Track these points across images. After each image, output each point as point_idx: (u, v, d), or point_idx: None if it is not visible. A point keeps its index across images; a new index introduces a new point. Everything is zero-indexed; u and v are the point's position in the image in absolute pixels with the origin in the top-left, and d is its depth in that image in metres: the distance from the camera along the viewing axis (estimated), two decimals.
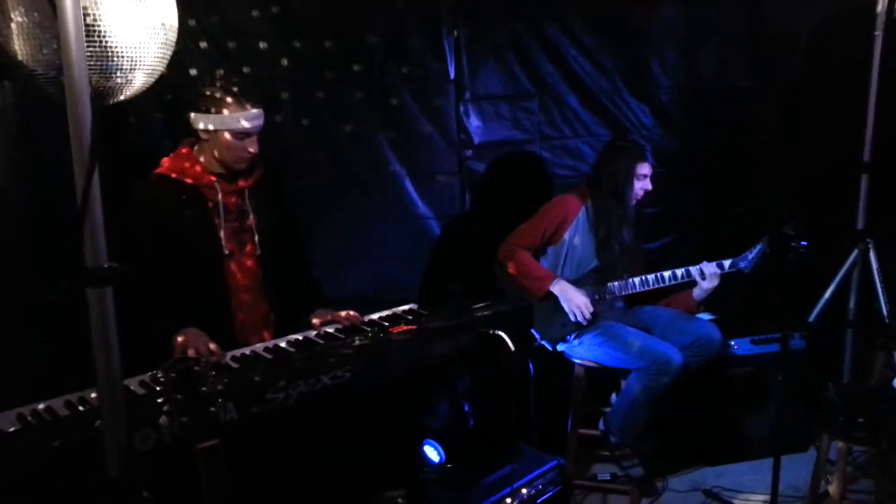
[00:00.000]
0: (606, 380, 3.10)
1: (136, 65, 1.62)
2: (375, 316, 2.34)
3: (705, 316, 3.19)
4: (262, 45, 2.80)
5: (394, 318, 2.31)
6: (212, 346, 1.96)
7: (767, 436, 3.29)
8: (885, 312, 3.35)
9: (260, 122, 2.22)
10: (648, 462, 2.97)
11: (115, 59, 1.54)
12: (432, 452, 2.39)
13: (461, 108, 3.13)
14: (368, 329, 2.20)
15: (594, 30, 3.22)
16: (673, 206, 3.48)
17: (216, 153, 2.21)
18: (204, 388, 1.40)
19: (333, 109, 2.94)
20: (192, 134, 2.25)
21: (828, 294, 3.43)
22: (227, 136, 2.17)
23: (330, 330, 2.23)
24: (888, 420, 2.52)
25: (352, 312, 2.27)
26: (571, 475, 3.01)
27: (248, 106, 2.18)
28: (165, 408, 1.38)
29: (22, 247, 2.32)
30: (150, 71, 1.72)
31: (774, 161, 3.47)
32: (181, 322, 2.05)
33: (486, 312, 2.30)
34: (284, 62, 2.85)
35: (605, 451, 3.07)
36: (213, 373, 1.53)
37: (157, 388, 1.59)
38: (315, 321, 2.27)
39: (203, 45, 2.74)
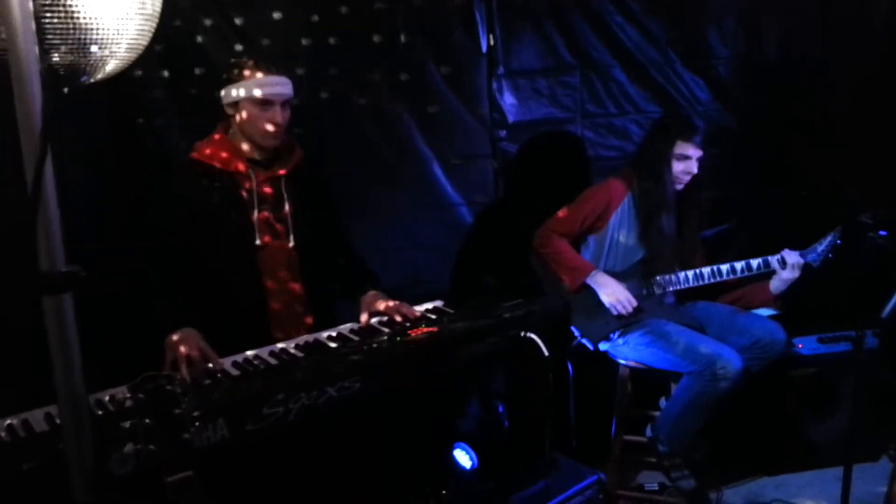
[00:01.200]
0: (654, 381, 2.83)
1: (115, 39, 1.44)
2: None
3: (765, 312, 2.89)
4: (276, 15, 2.60)
5: (415, 318, 2.09)
6: (203, 352, 1.78)
7: (833, 443, 2.99)
8: None
9: (284, 89, 2.09)
10: (701, 472, 2.70)
11: (90, 32, 1.37)
12: (464, 457, 2.18)
13: (494, 85, 2.86)
14: (387, 331, 1.98)
15: None
16: (730, 191, 3.16)
17: (244, 130, 2.10)
18: (177, 411, 1.20)
19: (353, 86, 2.72)
20: (224, 118, 2.14)
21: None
22: (250, 106, 2.05)
23: (345, 331, 2.03)
24: None
25: (405, 306, 2.09)
26: (614, 485, 2.77)
27: (269, 72, 2.06)
28: (132, 433, 1.19)
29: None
30: (131, 46, 1.53)
31: (845, 141, 3.10)
32: (210, 318, 1.93)
33: (516, 312, 2.06)
34: (300, 37, 2.64)
35: (653, 459, 2.80)
36: (188, 393, 1.33)
37: (127, 408, 1.40)
38: (363, 316, 2.10)
39: (208, 21, 2.56)
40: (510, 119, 2.90)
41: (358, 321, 2.11)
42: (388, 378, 1.78)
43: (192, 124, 2.44)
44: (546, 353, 2.03)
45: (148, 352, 1.87)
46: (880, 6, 3.04)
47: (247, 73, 2.04)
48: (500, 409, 2.36)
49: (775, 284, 2.66)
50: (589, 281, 2.63)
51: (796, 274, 2.60)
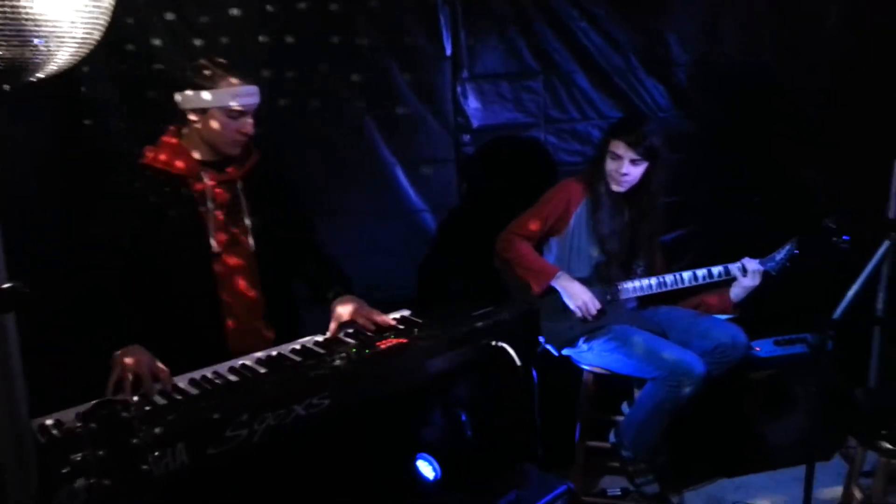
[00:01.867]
0: (616, 386, 2.83)
1: (62, 33, 1.34)
2: None
3: (721, 316, 2.92)
4: (233, 12, 2.49)
5: (382, 329, 2.03)
6: (153, 370, 1.67)
7: (789, 444, 3.05)
8: None
9: (255, 99, 2.01)
10: (663, 476, 2.71)
11: (34, 24, 1.26)
12: (426, 468, 2.12)
13: (458, 88, 2.82)
14: (353, 343, 1.91)
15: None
16: (689, 196, 3.18)
17: (207, 137, 1.99)
18: (134, 441, 1.12)
19: (313, 89, 2.63)
20: (179, 118, 2.02)
21: (855, 289, 3.16)
22: (220, 115, 1.95)
23: (309, 345, 1.95)
24: None
25: (376, 314, 2.01)
26: (579, 491, 2.76)
27: (240, 80, 1.97)
28: (83, 466, 1.10)
29: None
30: (80, 40, 1.43)
31: (802, 147, 3.16)
32: (162, 333, 1.83)
33: (487, 321, 2.01)
34: (260, 37, 2.54)
35: (616, 464, 2.80)
36: (145, 416, 1.23)
37: (77, 436, 1.30)
38: (332, 324, 2.02)
39: (169, 16, 2.44)
40: (474, 124, 2.86)
41: (327, 329, 2.03)
42: (357, 394, 1.72)
43: (145, 127, 2.31)
44: (518, 363, 2.00)
45: (94, 371, 1.76)
46: (831, 14, 3.12)
47: (219, 79, 1.94)
48: (464, 418, 2.32)
49: (735, 292, 2.69)
50: (554, 283, 2.61)
51: (756, 281, 2.63)
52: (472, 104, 2.84)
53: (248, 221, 2.05)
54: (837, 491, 2.77)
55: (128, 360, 1.66)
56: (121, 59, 2.41)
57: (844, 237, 2.22)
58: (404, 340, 1.89)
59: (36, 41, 1.28)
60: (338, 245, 2.75)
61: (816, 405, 2.82)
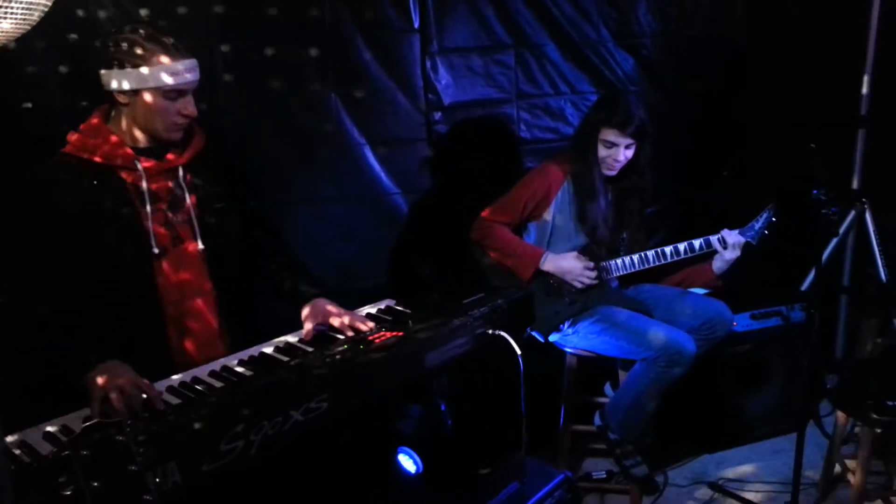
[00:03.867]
0: (598, 368, 2.77)
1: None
2: None
3: (699, 291, 2.89)
4: None
5: (371, 329, 1.87)
6: (138, 385, 1.46)
7: (767, 416, 3.08)
8: (882, 276, 3.15)
9: (195, 76, 1.75)
10: (648, 456, 2.67)
11: None
12: (407, 461, 2.00)
13: (427, 63, 2.66)
14: (343, 339, 1.76)
15: None
16: (660, 172, 3.13)
17: (142, 121, 1.73)
18: (133, 468, 0.95)
19: (273, 64, 2.42)
20: (106, 99, 1.75)
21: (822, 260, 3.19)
22: (154, 96, 1.69)
23: (293, 340, 1.79)
24: None
25: (356, 318, 1.81)
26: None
27: (179, 55, 1.70)
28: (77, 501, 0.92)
29: None
30: (23, 15, 1.24)
31: (769, 118, 3.16)
32: (101, 349, 1.56)
33: (481, 309, 1.90)
34: (214, 8, 2.31)
35: (601, 446, 2.74)
36: (145, 434, 1.06)
37: (66, 464, 1.10)
38: (307, 326, 1.81)
39: None
40: (445, 100, 2.71)
41: (293, 331, 1.84)
42: (356, 394, 1.57)
43: (77, 107, 2.05)
44: (518, 352, 1.89)
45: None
46: None
47: (150, 54, 1.66)
48: (443, 409, 2.21)
49: (717, 265, 2.65)
50: (542, 266, 2.52)
51: (737, 253, 2.60)
52: (443, 79, 2.69)
53: (193, 216, 1.81)
54: (816, 461, 2.80)
55: (110, 378, 1.45)
56: (66, 31, 2.12)
57: (833, 209, 2.19)
58: (400, 333, 1.75)
59: None
60: (306, 233, 2.59)
61: (799, 377, 2.84)
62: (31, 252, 1.69)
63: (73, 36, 2.10)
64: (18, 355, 1.64)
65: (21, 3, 1.21)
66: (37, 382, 1.60)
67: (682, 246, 2.61)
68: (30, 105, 2.07)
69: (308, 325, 1.82)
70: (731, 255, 2.59)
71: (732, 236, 2.60)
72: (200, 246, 1.81)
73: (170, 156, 1.80)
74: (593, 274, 2.57)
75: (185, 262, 1.80)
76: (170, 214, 1.79)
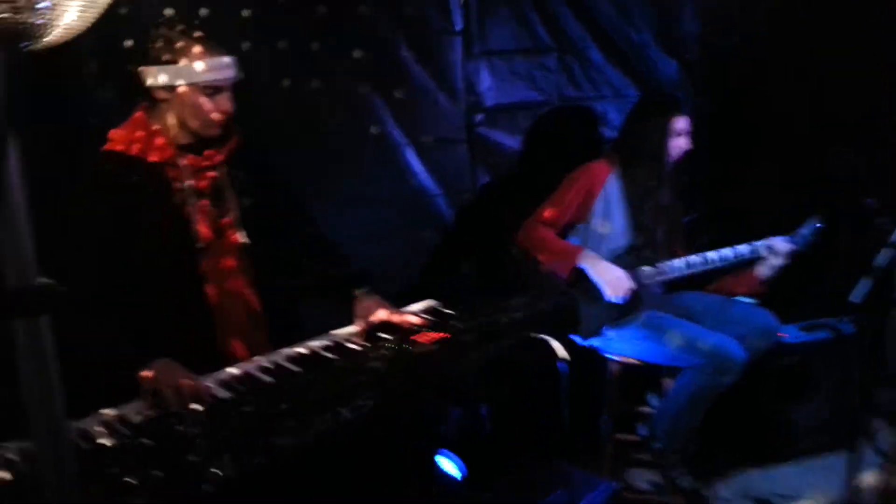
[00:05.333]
0: (640, 376, 2.71)
1: None
2: None
3: (745, 300, 2.82)
4: None
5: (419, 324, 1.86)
6: (192, 382, 1.47)
7: (816, 431, 2.97)
8: None
9: (232, 72, 1.76)
10: (694, 468, 2.60)
11: None
12: (450, 465, 1.97)
13: (469, 65, 2.65)
14: (389, 338, 1.74)
15: None
16: (702, 177, 3.08)
17: (180, 117, 1.74)
18: (192, 458, 0.93)
19: (315, 65, 2.42)
20: (146, 96, 1.76)
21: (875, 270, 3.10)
22: (192, 91, 1.70)
23: (341, 338, 1.77)
24: None
25: (407, 315, 1.82)
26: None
27: (215, 51, 1.72)
28: (138, 489, 0.91)
29: None
30: (87, 3, 1.23)
31: (818, 126, 3.08)
32: (149, 346, 1.57)
33: (526, 312, 1.87)
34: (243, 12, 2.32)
35: (646, 457, 2.68)
36: (203, 427, 1.04)
37: (129, 453, 1.08)
38: (360, 325, 1.81)
39: None
40: (487, 103, 2.70)
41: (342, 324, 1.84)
42: (402, 392, 1.55)
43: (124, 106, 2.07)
44: (563, 356, 1.86)
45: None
46: None
47: (186, 49, 1.69)
48: (483, 413, 2.18)
49: (762, 271, 2.58)
50: (580, 263, 2.44)
51: (784, 260, 2.54)
52: (485, 82, 2.68)
53: (235, 211, 1.82)
54: (868, 478, 2.70)
55: (163, 375, 1.45)
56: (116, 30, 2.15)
57: (887, 218, 2.12)
58: (445, 334, 1.72)
59: (41, 4, 1.09)
60: (346, 233, 2.56)
61: (849, 391, 2.74)
62: (78, 248, 1.70)
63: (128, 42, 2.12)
64: (71, 349, 1.65)
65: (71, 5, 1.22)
66: (87, 376, 1.60)
67: (727, 252, 2.55)
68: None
69: (361, 324, 1.82)
70: (777, 262, 2.53)
71: (780, 243, 2.53)
72: (242, 240, 1.82)
73: (210, 152, 1.81)
74: (627, 288, 2.45)
75: (229, 257, 1.81)
76: (212, 210, 1.80)
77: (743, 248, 2.56)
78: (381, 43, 2.53)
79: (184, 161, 1.76)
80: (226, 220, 1.81)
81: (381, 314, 1.80)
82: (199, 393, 1.42)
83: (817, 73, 3.14)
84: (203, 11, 2.26)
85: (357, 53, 2.51)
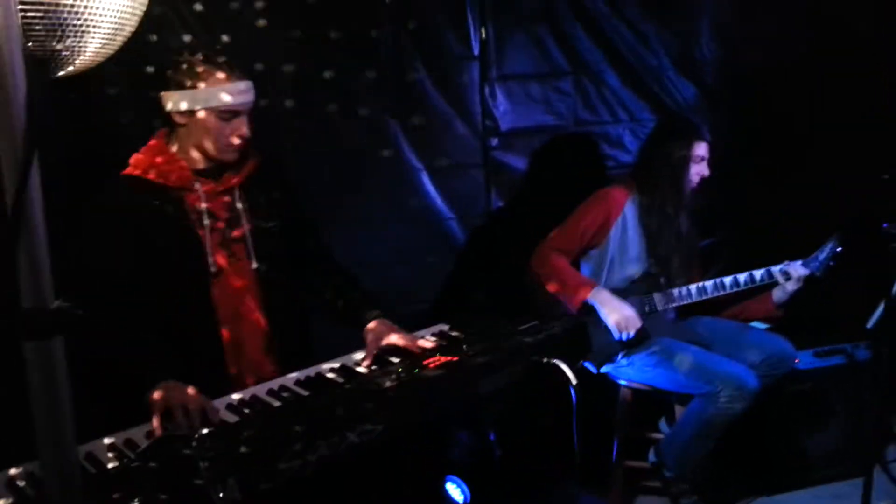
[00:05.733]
0: (653, 403, 2.70)
1: (92, 21, 1.19)
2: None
3: (759, 326, 2.81)
4: (234, 4, 2.33)
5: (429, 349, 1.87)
6: (198, 401, 1.49)
7: (829, 458, 2.93)
8: None
9: (250, 97, 1.79)
10: (705, 496, 2.58)
11: (64, 12, 1.12)
12: (455, 490, 1.97)
13: (486, 89, 2.68)
14: (398, 362, 1.75)
15: None
16: (720, 202, 3.07)
17: (198, 142, 1.77)
18: (199, 482, 0.96)
19: (333, 88, 2.47)
20: (167, 121, 1.80)
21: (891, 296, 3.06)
22: (209, 116, 1.73)
23: (350, 362, 1.79)
24: None
25: (418, 339, 1.82)
26: None
27: (233, 76, 1.74)
28: None
29: None
30: (114, 31, 1.28)
31: (836, 150, 3.07)
32: (162, 365, 1.59)
33: (537, 336, 1.87)
34: (266, 31, 2.36)
35: (656, 484, 2.66)
36: (209, 451, 1.07)
37: (134, 475, 1.12)
38: (370, 350, 1.81)
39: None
40: (503, 126, 2.73)
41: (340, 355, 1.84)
42: (410, 417, 1.56)
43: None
44: (573, 381, 1.86)
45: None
46: (865, 14, 3.04)
47: (205, 74, 1.72)
48: (492, 438, 2.18)
49: (778, 296, 2.57)
50: (591, 299, 2.45)
51: (800, 285, 2.52)
52: (501, 106, 2.71)
53: (248, 236, 1.83)
54: None
55: (172, 395, 1.48)
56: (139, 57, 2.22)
57: None
58: (455, 358, 1.74)
59: (72, 32, 1.14)
60: (362, 254, 2.61)
61: (864, 418, 2.70)
62: (94, 270, 1.73)
63: (149, 68, 2.18)
64: (83, 369, 1.69)
65: (104, 31, 1.27)
66: (98, 397, 1.63)
67: (742, 277, 2.54)
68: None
69: (371, 349, 1.82)
70: (793, 287, 2.51)
71: (796, 268, 2.52)
72: (255, 265, 1.83)
73: (226, 176, 1.83)
74: (635, 328, 2.43)
75: (240, 281, 1.82)
76: (226, 234, 1.82)
77: (758, 274, 2.55)
78: (399, 67, 2.57)
79: (200, 185, 1.79)
80: (239, 244, 1.83)
81: (392, 338, 1.80)
82: (209, 414, 1.45)
83: (837, 97, 3.14)
84: (224, 38, 2.33)
85: (376, 77, 2.55)
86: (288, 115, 2.47)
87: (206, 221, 1.78)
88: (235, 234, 1.83)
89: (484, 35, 2.64)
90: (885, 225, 2.13)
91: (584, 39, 2.76)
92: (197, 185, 1.79)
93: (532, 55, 2.73)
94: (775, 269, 2.53)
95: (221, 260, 1.80)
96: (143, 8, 1.26)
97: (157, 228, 1.74)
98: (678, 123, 2.59)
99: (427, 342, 1.80)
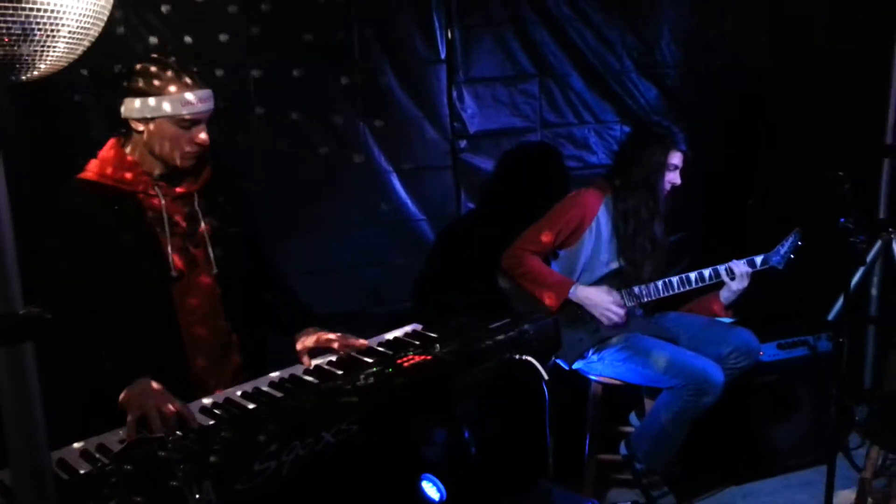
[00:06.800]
0: (622, 397, 2.75)
1: (57, 24, 1.19)
2: (374, 342, 1.92)
3: (724, 320, 2.87)
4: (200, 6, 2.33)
5: (397, 345, 1.90)
6: (174, 405, 1.49)
7: (795, 448, 3.02)
8: None
9: (210, 105, 1.78)
10: (675, 487, 2.64)
11: (29, 14, 1.12)
12: (431, 489, 1.99)
13: (454, 92, 2.71)
14: (371, 362, 1.77)
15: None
16: (685, 200, 3.13)
17: (154, 148, 1.76)
18: (174, 483, 0.96)
19: (303, 93, 2.49)
20: (123, 127, 1.78)
21: (849, 288, 3.16)
22: (168, 124, 1.72)
23: (322, 364, 1.80)
24: None
25: (353, 338, 1.83)
26: None
27: (192, 83, 1.73)
28: None
29: None
30: (80, 34, 1.28)
31: (794, 149, 3.16)
32: (126, 370, 1.59)
33: (508, 334, 1.90)
34: (224, 36, 2.35)
35: (627, 476, 2.71)
36: (184, 453, 1.07)
37: (108, 479, 1.12)
38: (304, 359, 1.83)
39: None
40: (471, 129, 2.76)
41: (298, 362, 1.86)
42: (386, 416, 1.58)
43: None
44: (545, 377, 1.89)
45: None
46: (820, 18, 3.14)
47: (165, 83, 1.70)
48: (467, 436, 2.20)
49: (725, 295, 2.63)
50: (572, 296, 2.52)
51: (745, 283, 2.57)
52: (469, 108, 2.74)
53: (207, 242, 1.83)
54: (845, 493, 2.73)
55: (147, 396, 1.47)
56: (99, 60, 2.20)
57: (860, 237, 2.18)
58: (428, 357, 1.76)
59: (38, 34, 1.14)
60: (334, 258, 2.63)
61: (827, 408, 2.78)
62: (53, 272, 1.72)
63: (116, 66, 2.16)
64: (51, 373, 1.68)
65: (68, 34, 1.26)
66: (67, 400, 1.62)
67: (692, 275, 2.60)
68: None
69: (305, 358, 1.83)
70: (738, 285, 2.57)
71: (740, 266, 2.57)
72: (214, 271, 1.84)
73: (185, 183, 1.84)
74: (622, 312, 2.54)
75: (200, 287, 1.83)
76: (186, 238, 1.82)
77: (706, 272, 2.59)
78: (367, 71, 2.58)
79: (158, 191, 1.79)
80: (198, 249, 1.83)
81: (323, 338, 1.83)
82: (184, 417, 1.45)
83: (795, 97, 3.23)
84: (187, 39, 2.33)
85: (345, 81, 2.57)
86: (257, 120, 2.47)
87: (167, 225, 1.78)
88: (195, 240, 1.83)
89: (450, 38, 2.66)
90: (842, 220, 2.20)
91: (549, 43, 2.80)
92: (156, 190, 1.79)
93: (498, 58, 2.76)
94: (720, 267, 2.58)
95: (181, 263, 1.80)
96: (108, 12, 1.27)
97: (116, 232, 1.73)
98: (658, 130, 2.61)
99: (357, 342, 1.81)
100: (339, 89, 2.57)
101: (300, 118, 2.55)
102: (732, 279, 2.57)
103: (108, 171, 1.76)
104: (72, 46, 1.29)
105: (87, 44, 1.33)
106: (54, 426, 1.45)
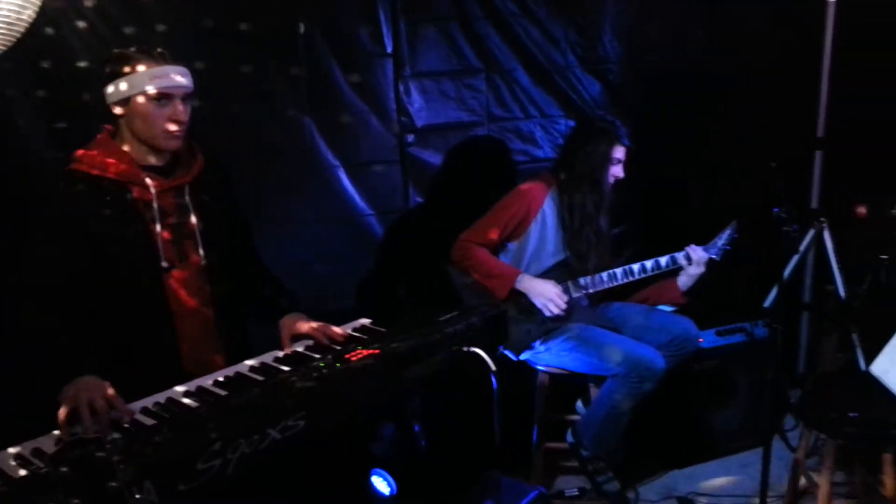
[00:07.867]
0: (570, 386, 2.81)
1: None
2: None
3: (666, 308, 2.96)
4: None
5: (346, 340, 1.90)
6: (106, 399, 1.47)
7: (734, 431, 3.14)
8: (841, 293, 3.25)
9: (185, 81, 1.79)
10: (620, 473, 2.71)
11: None
12: (381, 484, 2.00)
13: (401, 87, 2.71)
14: (319, 357, 1.77)
15: None
16: (627, 192, 3.21)
17: (137, 131, 1.78)
18: (113, 484, 0.95)
19: (248, 88, 2.46)
20: (111, 119, 1.81)
21: (783, 277, 3.29)
22: (144, 101, 1.74)
23: (269, 362, 1.80)
24: (881, 415, 2.35)
25: (329, 327, 1.88)
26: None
27: (163, 60, 1.77)
28: None
29: None
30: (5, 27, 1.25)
31: (731, 142, 3.27)
32: (112, 361, 1.62)
33: (457, 326, 1.92)
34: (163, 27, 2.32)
35: (574, 464, 2.77)
36: (123, 453, 1.06)
37: (45, 482, 1.09)
38: (285, 342, 1.87)
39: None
40: (418, 123, 2.77)
41: (278, 348, 1.88)
42: (334, 411, 1.58)
43: (63, 129, 2.07)
44: (493, 369, 1.92)
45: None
46: (753, 12, 3.24)
47: (134, 62, 1.74)
48: (417, 430, 2.22)
49: (683, 280, 2.71)
50: (517, 285, 2.56)
51: (702, 269, 2.66)
52: (416, 103, 2.75)
53: (197, 233, 1.86)
54: (782, 474, 2.86)
55: (82, 391, 1.45)
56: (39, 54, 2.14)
57: (794, 227, 2.28)
58: (376, 351, 1.77)
59: None
60: (280, 254, 2.59)
61: (764, 392, 2.90)
62: (40, 264, 1.74)
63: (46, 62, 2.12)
64: (21, 367, 1.67)
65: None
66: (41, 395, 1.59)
67: (648, 263, 2.67)
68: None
69: (286, 341, 1.88)
70: (695, 270, 2.65)
71: (697, 252, 2.66)
72: (203, 262, 1.86)
73: (178, 173, 1.86)
74: (563, 303, 2.58)
75: (190, 277, 1.86)
76: (176, 230, 1.84)
77: (662, 260, 2.68)
78: (313, 65, 2.56)
79: (151, 181, 1.80)
80: (189, 240, 1.85)
81: (305, 327, 1.87)
82: (120, 412, 1.44)
83: (731, 93, 3.34)
84: (127, 30, 2.28)
85: (291, 76, 2.54)
86: (199, 113, 2.42)
87: (157, 217, 1.79)
88: (185, 230, 1.85)
89: (397, 33, 2.66)
90: (775, 210, 2.29)
91: (494, 38, 2.83)
92: (147, 181, 1.80)
93: (445, 53, 2.78)
94: (678, 254, 2.67)
95: (172, 255, 1.82)
96: (37, 5, 1.24)
97: (107, 223, 1.74)
98: (602, 124, 2.66)
99: (339, 329, 1.85)
100: (284, 83, 2.55)
101: (244, 112, 2.51)
102: (691, 264, 2.64)
103: (97, 161, 1.77)
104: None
105: (18, 33, 1.30)
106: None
